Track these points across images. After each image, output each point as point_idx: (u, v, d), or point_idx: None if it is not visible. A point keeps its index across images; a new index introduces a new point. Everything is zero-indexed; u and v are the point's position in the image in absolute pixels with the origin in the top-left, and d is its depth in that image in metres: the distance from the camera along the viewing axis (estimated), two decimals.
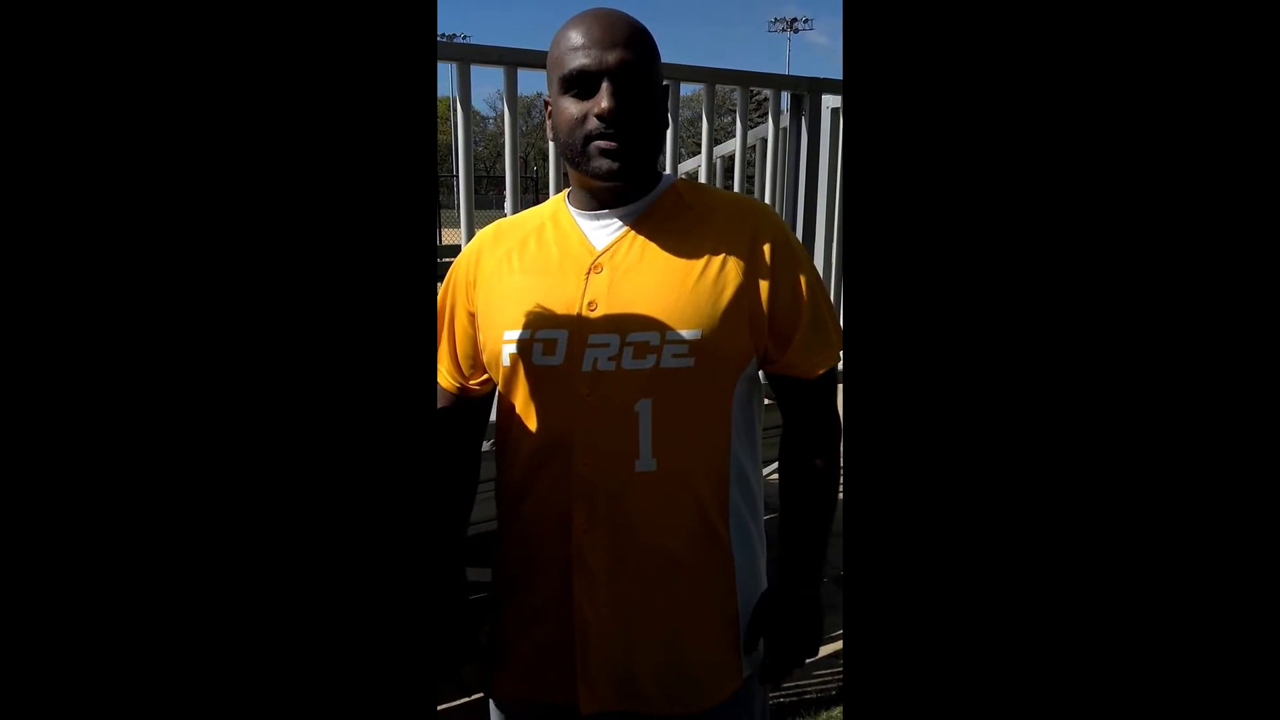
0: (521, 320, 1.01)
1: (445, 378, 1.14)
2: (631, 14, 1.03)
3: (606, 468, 0.98)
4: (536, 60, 1.71)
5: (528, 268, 1.04)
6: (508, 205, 1.77)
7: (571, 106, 0.95)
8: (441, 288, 1.13)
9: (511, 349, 1.01)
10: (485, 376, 1.11)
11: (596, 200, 1.03)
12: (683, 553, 1.00)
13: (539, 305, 1.00)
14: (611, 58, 0.93)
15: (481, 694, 1.15)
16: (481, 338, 1.07)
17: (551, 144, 1.83)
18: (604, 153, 0.95)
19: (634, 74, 0.93)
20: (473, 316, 1.09)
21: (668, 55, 1.04)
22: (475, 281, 1.08)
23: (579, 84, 0.94)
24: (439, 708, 1.88)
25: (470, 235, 1.73)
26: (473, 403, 1.16)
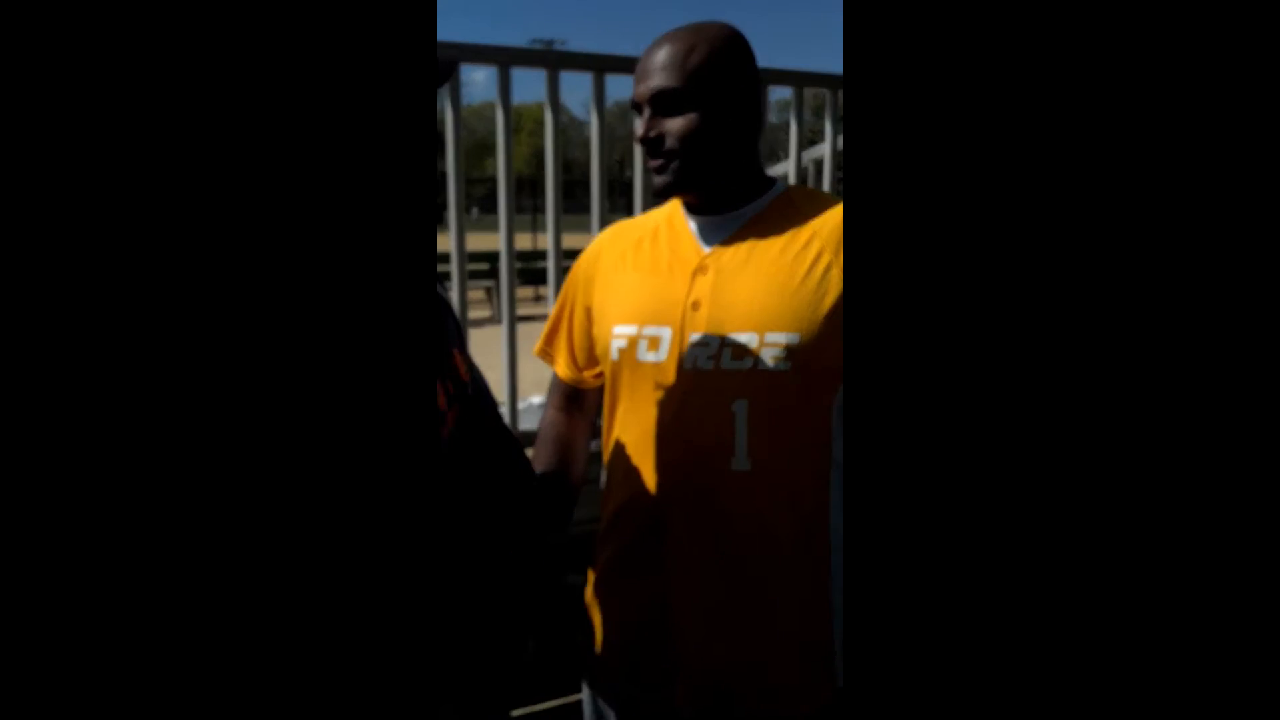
0: (631, 316, 1.05)
1: (562, 369, 1.21)
2: (727, 17, 1.06)
3: (702, 465, 1.00)
4: (624, 66, 1.74)
5: (641, 266, 1.08)
6: (594, 208, 1.81)
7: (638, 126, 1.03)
8: (564, 283, 1.21)
9: (620, 344, 1.06)
10: (598, 370, 1.16)
11: (698, 206, 1.06)
12: (777, 554, 1.00)
13: (648, 303, 1.04)
14: (646, 88, 1.00)
15: (569, 699, 1.19)
16: (595, 331, 1.13)
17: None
18: (652, 171, 1.02)
19: (671, 99, 0.99)
20: (589, 311, 1.14)
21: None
22: (594, 278, 1.14)
23: (637, 109, 1.03)
24: (531, 710, 1.91)
25: (557, 238, 1.78)
26: (585, 394, 1.22)
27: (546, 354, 1.24)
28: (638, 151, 1.83)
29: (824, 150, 2.23)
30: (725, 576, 1.01)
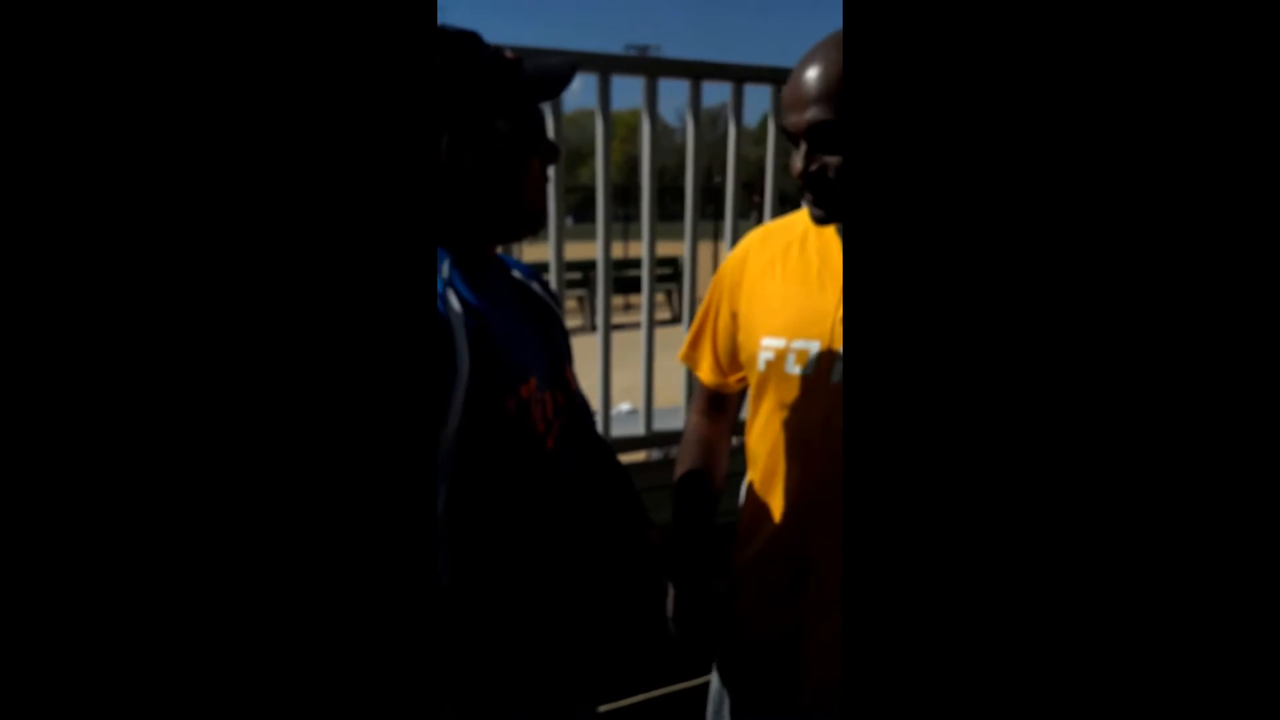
0: (779, 329, 1.04)
1: (706, 373, 1.21)
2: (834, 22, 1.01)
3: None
4: (721, 73, 1.73)
5: (789, 276, 1.06)
6: (687, 216, 1.80)
7: (794, 153, 0.95)
8: (709, 289, 1.20)
9: (768, 355, 1.05)
10: (741, 375, 1.16)
11: None
12: None
13: (796, 315, 1.03)
14: (800, 120, 0.90)
15: (693, 682, 1.21)
16: (741, 338, 1.12)
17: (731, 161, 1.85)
18: (810, 203, 0.95)
19: (830, 133, 0.89)
20: (735, 317, 1.14)
21: None
22: (740, 283, 1.13)
23: (792, 140, 0.94)
24: (647, 696, 1.93)
25: (651, 246, 1.78)
26: (728, 399, 1.23)
27: (691, 359, 1.23)
28: (730, 159, 1.82)
29: None
30: None
